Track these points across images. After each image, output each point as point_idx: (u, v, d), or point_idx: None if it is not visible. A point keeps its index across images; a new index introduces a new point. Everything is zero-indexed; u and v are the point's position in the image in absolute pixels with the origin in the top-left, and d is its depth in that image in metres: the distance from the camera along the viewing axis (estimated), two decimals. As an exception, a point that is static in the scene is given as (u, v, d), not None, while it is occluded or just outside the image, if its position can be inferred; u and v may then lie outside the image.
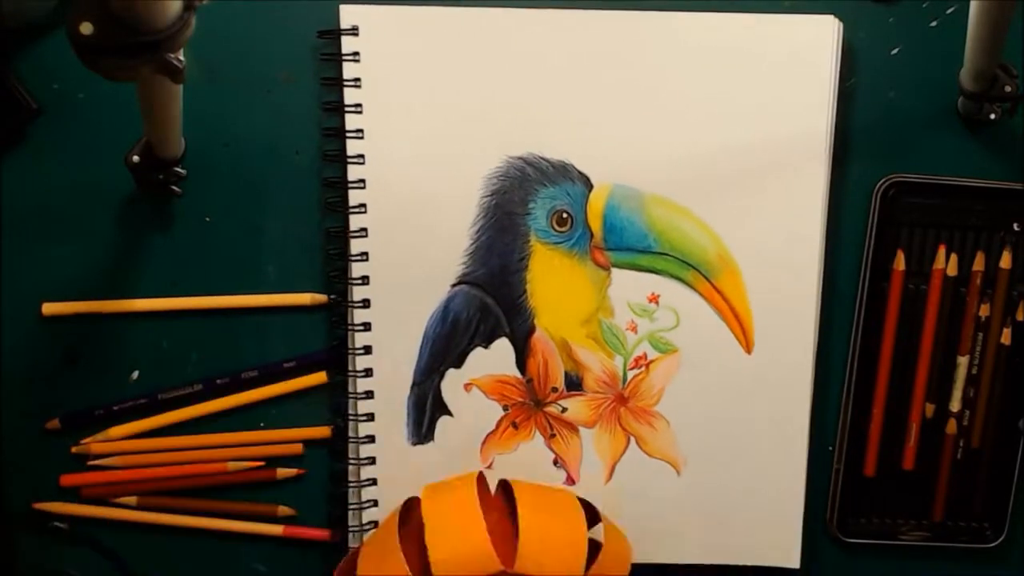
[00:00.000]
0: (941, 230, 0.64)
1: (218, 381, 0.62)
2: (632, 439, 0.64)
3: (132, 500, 0.62)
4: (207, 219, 0.61)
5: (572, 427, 0.64)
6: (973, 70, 0.59)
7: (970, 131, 0.63)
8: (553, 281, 0.61)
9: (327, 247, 0.61)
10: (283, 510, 0.63)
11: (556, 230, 0.61)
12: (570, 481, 0.64)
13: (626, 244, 0.61)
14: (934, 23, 0.62)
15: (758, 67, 0.60)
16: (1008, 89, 0.60)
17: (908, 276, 0.64)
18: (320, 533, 0.63)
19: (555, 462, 0.64)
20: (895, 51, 0.62)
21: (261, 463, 0.63)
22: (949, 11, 0.62)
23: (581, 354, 0.62)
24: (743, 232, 0.62)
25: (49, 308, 0.61)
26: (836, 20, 0.60)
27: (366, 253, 0.60)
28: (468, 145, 0.60)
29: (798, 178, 0.61)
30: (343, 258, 0.60)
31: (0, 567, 0.62)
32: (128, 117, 0.56)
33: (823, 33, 0.60)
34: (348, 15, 0.58)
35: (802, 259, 0.62)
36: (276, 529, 0.63)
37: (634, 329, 0.62)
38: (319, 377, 0.62)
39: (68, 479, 0.62)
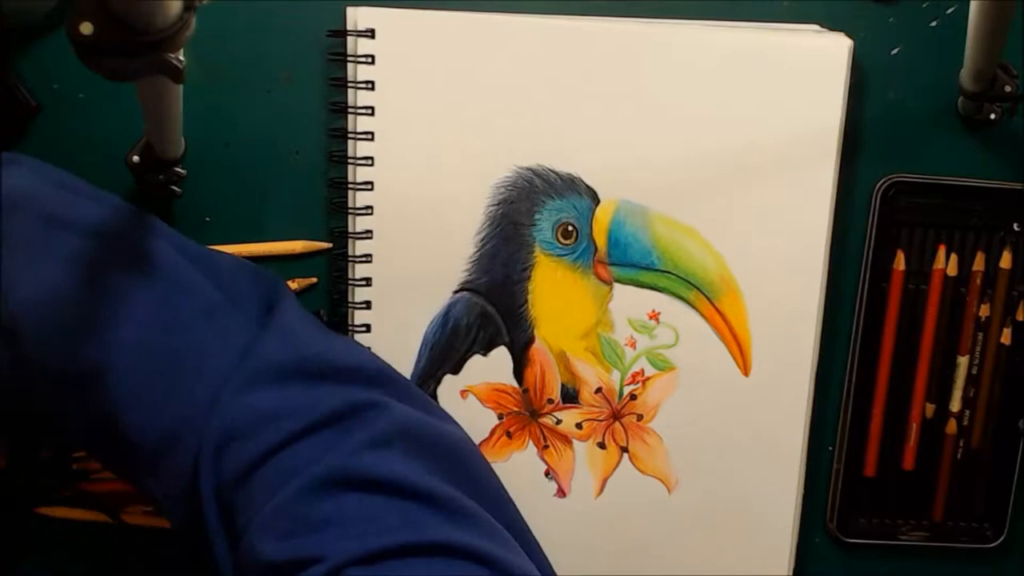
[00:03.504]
0: (941, 230, 0.64)
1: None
2: (625, 455, 0.64)
3: (137, 509, 0.62)
4: (207, 219, 0.61)
5: (566, 439, 0.63)
6: (973, 70, 0.59)
7: (970, 131, 0.63)
8: (555, 293, 0.61)
9: (330, 248, 0.61)
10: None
11: (561, 242, 0.61)
12: (561, 493, 0.64)
13: (630, 260, 0.61)
14: (934, 23, 0.62)
15: (770, 85, 0.60)
16: (1008, 89, 0.60)
17: (908, 276, 0.64)
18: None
19: (547, 473, 0.64)
20: (895, 51, 0.62)
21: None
22: (949, 11, 0.62)
23: (579, 367, 0.62)
24: (747, 254, 0.61)
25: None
26: (848, 39, 0.60)
27: (370, 255, 0.60)
28: (478, 152, 0.59)
29: (803, 202, 0.61)
30: (345, 259, 0.60)
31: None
32: (128, 117, 0.56)
33: (836, 53, 0.60)
34: (365, 17, 0.58)
35: (805, 284, 0.62)
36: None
37: (633, 345, 0.62)
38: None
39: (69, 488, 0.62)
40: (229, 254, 0.56)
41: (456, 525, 0.47)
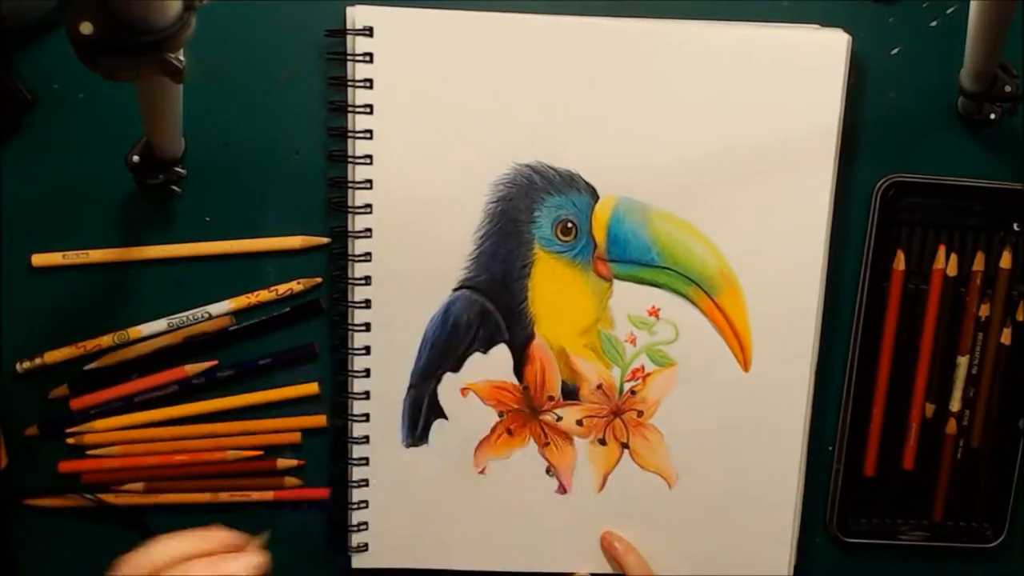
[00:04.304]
0: (941, 230, 0.64)
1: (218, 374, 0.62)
2: (625, 451, 0.64)
3: (139, 487, 0.62)
4: (207, 219, 0.61)
5: (566, 436, 0.63)
6: (973, 70, 0.59)
7: (970, 131, 0.63)
8: (554, 290, 0.61)
9: (330, 247, 0.61)
10: (289, 481, 0.63)
11: (560, 239, 0.61)
12: (561, 490, 0.64)
13: (629, 257, 0.61)
14: (934, 23, 0.62)
15: (768, 81, 0.60)
16: (1008, 89, 0.60)
17: (908, 276, 0.64)
18: (319, 492, 0.64)
19: (548, 470, 0.64)
20: (895, 51, 0.62)
21: (260, 452, 0.63)
22: (949, 11, 0.62)
23: (579, 364, 0.62)
24: (746, 250, 0.61)
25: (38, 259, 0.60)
26: (847, 35, 0.60)
27: (369, 254, 0.60)
28: (477, 150, 0.59)
29: (803, 197, 0.61)
30: (345, 257, 0.60)
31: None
32: (128, 117, 0.56)
33: (834, 47, 0.60)
34: (362, 16, 0.58)
35: (804, 280, 0.62)
36: (267, 495, 0.63)
37: (633, 341, 0.62)
38: (310, 388, 0.63)
39: (66, 465, 0.62)
40: None
41: None
